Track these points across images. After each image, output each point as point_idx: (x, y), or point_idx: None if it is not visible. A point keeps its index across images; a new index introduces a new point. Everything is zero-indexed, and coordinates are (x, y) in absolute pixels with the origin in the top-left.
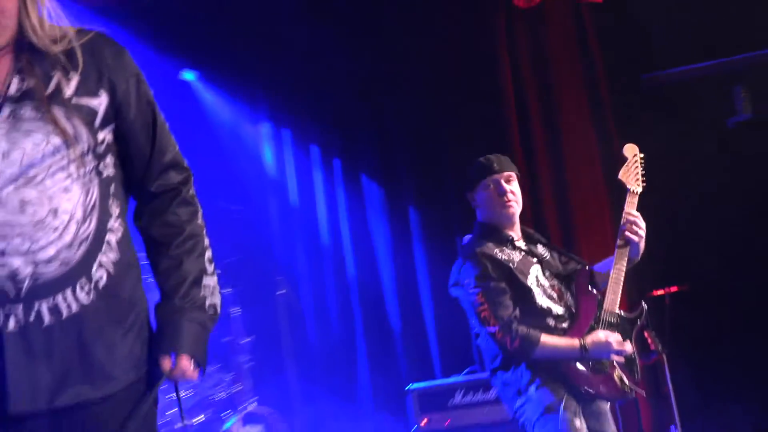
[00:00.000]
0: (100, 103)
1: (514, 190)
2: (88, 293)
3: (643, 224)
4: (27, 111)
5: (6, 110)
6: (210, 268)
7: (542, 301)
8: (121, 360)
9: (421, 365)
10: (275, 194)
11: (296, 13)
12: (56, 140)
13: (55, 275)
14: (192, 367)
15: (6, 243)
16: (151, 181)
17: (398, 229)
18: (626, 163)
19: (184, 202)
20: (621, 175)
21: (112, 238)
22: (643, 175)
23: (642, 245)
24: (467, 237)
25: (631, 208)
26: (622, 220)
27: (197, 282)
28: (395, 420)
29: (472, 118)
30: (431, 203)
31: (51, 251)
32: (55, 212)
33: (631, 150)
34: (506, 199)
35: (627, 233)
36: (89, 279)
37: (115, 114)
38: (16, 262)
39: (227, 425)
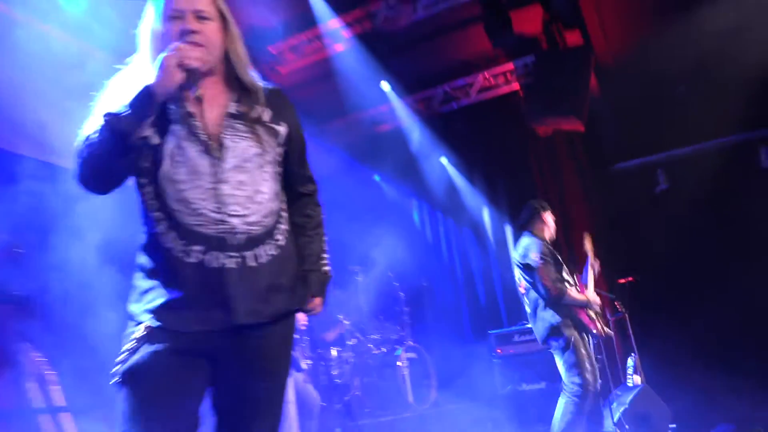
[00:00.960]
0: (282, 130)
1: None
2: (274, 248)
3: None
4: (241, 126)
5: (229, 122)
6: (326, 247)
7: (564, 274)
8: (290, 293)
9: (496, 318)
10: (419, 237)
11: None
12: (257, 148)
13: (258, 234)
14: (320, 304)
15: (228, 208)
16: (298, 186)
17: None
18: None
19: (316, 203)
20: (587, 247)
21: (284, 215)
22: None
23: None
24: (528, 234)
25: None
26: (590, 260)
27: (321, 256)
28: (484, 349)
29: (517, 185)
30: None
31: (255, 218)
32: (257, 192)
33: (588, 238)
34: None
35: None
36: (274, 239)
37: (287, 140)
38: (235, 221)
39: (397, 353)
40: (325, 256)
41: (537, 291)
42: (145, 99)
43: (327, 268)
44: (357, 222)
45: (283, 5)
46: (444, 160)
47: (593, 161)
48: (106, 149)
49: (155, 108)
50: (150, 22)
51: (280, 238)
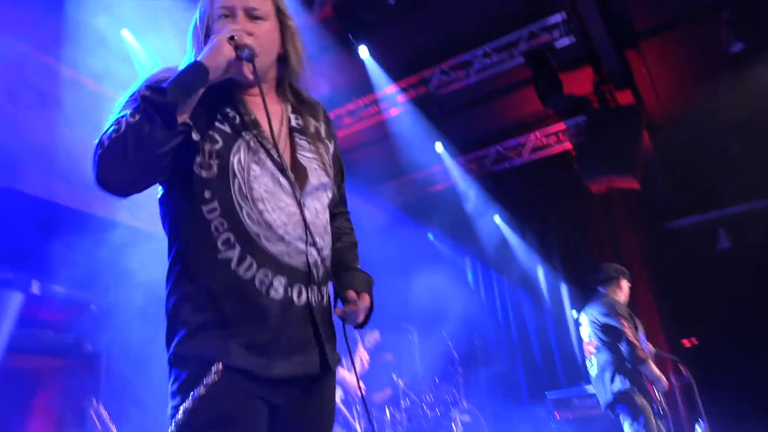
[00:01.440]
0: (332, 148)
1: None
2: (327, 290)
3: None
4: (303, 141)
5: (294, 137)
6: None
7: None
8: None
9: (553, 379)
10: (473, 296)
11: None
12: (322, 170)
13: (326, 270)
14: (368, 301)
15: (310, 237)
16: (337, 207)
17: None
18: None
19: (349, 221)
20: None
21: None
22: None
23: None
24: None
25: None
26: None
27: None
28: (541, 412)
29: (572, 244)
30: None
31: (327, 251)
32: (327, 221)
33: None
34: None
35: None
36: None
37: (334, 158)
38: (314, 254)
39: (452, 415)
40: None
41: (613, 351)
42: (192, 73)
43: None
44: (410, 280)
45: (342, 73)
46: (497, 219)
47: (650, 219)
48: (140, 132)
49: (203, 83)
50: (197, 25)
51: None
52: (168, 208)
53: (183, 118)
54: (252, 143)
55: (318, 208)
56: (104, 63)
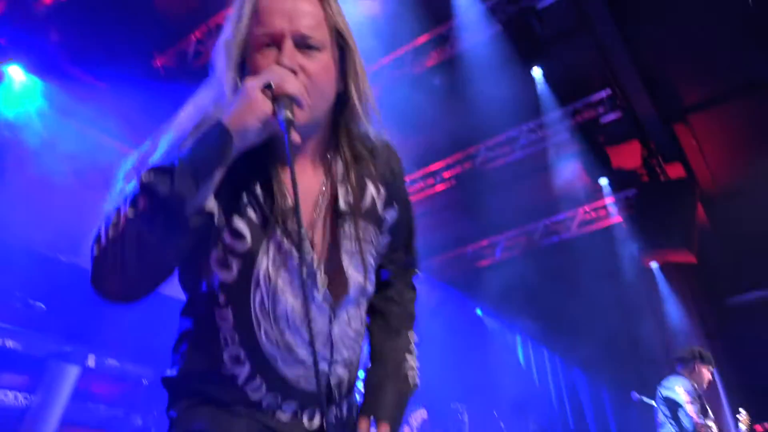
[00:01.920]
0: (390, 217)
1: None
2: (354, 399)
3: None
4: (350, 229)
5: (339, 227)
6: (413, 348)
7: (709, 422)
8: None
9: None
10: (525, 375)
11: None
12: (363, 276)
13: (354, 379)
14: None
15: (337, 355)
16: (395, 273)
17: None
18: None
19: (411, 288)
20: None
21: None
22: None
23: None
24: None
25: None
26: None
27: (405, 357)
28: None
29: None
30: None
31: (356, 360)
32: (359, 327)
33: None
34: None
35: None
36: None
37: (393, 227)
38: (341, 371)
39: None
40: (411, 356)
41: (675, 425)
42: (212, 142)
43: (413, 373)
44: (459, 357)
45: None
46: (546, 294)
47: (708, 294)
48: (140, 234)
49: (226, 157)
50: (229, 43)
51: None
52: (183, 284)
53: (198, 206)
54: (285, 243)
55: (351, 314)
56: None
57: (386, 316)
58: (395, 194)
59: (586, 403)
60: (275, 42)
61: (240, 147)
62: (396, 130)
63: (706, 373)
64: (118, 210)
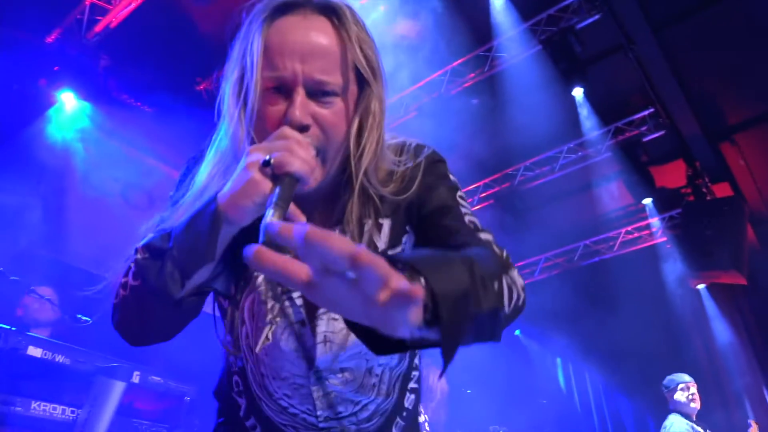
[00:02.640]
0: (407, 241)
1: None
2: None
3: None
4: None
5: None
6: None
7: None
8: None
9: None
10: (566, 400)
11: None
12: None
13: (380, 424)
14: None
15: (329, 411)
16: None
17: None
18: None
19: (481, 245)
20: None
21: (414, 373)
22: None
23: None
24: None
25: None
26: None
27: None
28: None
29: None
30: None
31: (373, 407)
32: (370, 374)
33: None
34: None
35: None
36: (402, 412)
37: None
38: (344, 424)
39: None
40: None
41: None
42: (203, 227)
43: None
44: (497, 379)
45: None
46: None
47: (759, 316)
48: (142, 303)
49: (223, 242)
50: (233, 87)
51: (408, 407)
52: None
53: (193, 283)
54: (262, 287)
55: (353, 366)
56: None
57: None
58: (413, 204)
59: (631, 429)
60: (285, 88)
61: (237, 225)
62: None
63: (683, 395)
64: (128, 270)
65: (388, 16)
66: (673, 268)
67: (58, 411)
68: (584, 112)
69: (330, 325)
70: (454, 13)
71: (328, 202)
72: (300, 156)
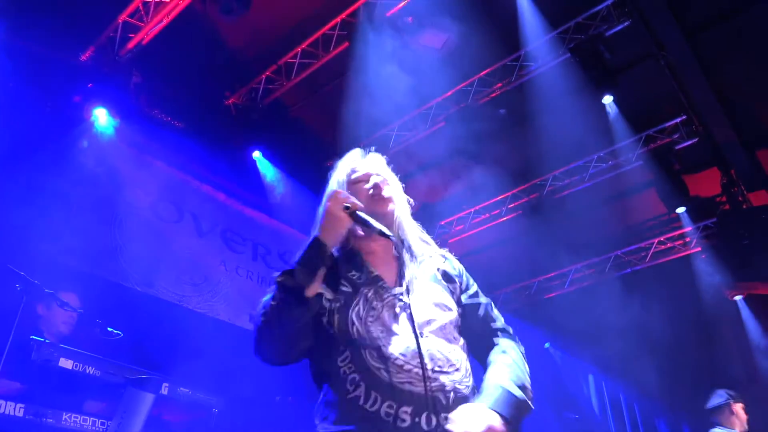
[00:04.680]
0: (458, 283)
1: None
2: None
3: None
4: (422, 284)
5: (413, 282)
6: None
7: None
8: None
9: None
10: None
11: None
12: (440, 308)
13: (464, 394)
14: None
15: (429, 364)
16: (483, 329)
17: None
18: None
19: (506, 338)
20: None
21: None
22: None
23: None
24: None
25: None
26: None
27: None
28: None
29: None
30: None
31: (458, 376)
32: (454, 351)
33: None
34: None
35: None
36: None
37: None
38: (438, 379)
39: None
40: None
41: None
42: (314, 249)
43: (522, 393)
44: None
45: (451, 183)
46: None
47: None
48: (281, 313)
49: (326, 258)
50: (339, 185)
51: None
52: (312, 361)
53: (313, 290)
54: (370, 294)
55: (440, 337)
56: (238, 181)
57: (493, 357)
58: (455, 273)
59: None
60: (364, 179)
61: (332, 245)
62: (463, 159)
63: (742, 412)
64: (265, 303)
65: (414, 26)
66: (709, 278)
67: (88, 422)
68: (614, 119)
69: (421, 307)
70: (480, 22)
71: (390, 253)
72: (350, 197)
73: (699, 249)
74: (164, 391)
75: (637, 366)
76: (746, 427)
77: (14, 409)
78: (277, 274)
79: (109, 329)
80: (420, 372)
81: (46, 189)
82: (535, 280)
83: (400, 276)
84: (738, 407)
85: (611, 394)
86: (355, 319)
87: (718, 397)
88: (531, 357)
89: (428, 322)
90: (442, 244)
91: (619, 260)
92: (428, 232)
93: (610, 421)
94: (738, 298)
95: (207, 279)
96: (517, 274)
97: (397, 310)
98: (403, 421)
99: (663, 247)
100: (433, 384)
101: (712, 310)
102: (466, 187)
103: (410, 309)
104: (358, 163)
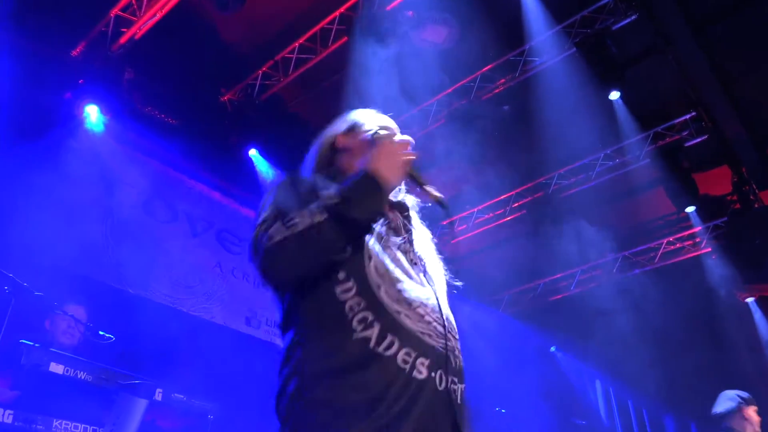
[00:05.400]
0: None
1: None
2: (463, 391)
3: None
4: (423, 246)
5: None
6: None
7: None
8: None
9: None
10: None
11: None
12: (442, 276)
13: (462, 367)
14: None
15: (448, 323)
16: None
17: None
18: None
19: None
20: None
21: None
22: None
23: None
24: None
25: None
26: None
27: None
28: None
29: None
30: None
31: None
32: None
33: None
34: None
35: None
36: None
37: None
38: (452, 339)
39: None
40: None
41: None
42: (374, 187)
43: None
44: (530, 399)
45: (453, 182)
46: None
47: None
48: (321, 237)
49: (383, 203)
50: (357, 130)
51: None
52: (296, 293)
53: (366, 229)
54: (382, 230)
55: (446, 302)
56: (234, 180)
57: None
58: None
59: None
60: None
61: (389, 192)
62: (464, 158)
63: (754, 415)
64: (294, 217)
65: (415, 21)
66: (719, 279)
67: (79, 429)
68: (621, 116)
69: (430, 270)
70: (483, 16)
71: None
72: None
73: (709, 249)
74: (158, 396)
75: (645, 370)
76: (759, 430)
77: (3, 415)
78: (333, 194)
79: (101, 333)
80: (438, 328)
81: (35, 188)
82: (541, 282)
83: (407, 231)
84: (750, 411)
85: (619, 399)
86: (372, 248)
87: (728, 401)
88: (537, 361)
89: (439, 282)
90: (444, 245)
91: (627, 261)
92: (430, 233)
93: (618, 427)
94: (750, 300)
95: (202, 281)
96: (522, 275)
97: (412, 256)
98: (420, 372)
99: (672, 247)
100: (448, 343)
101: (723, 312)
102: (468, 187)
103: (424, 262)
104: (385, 120)
